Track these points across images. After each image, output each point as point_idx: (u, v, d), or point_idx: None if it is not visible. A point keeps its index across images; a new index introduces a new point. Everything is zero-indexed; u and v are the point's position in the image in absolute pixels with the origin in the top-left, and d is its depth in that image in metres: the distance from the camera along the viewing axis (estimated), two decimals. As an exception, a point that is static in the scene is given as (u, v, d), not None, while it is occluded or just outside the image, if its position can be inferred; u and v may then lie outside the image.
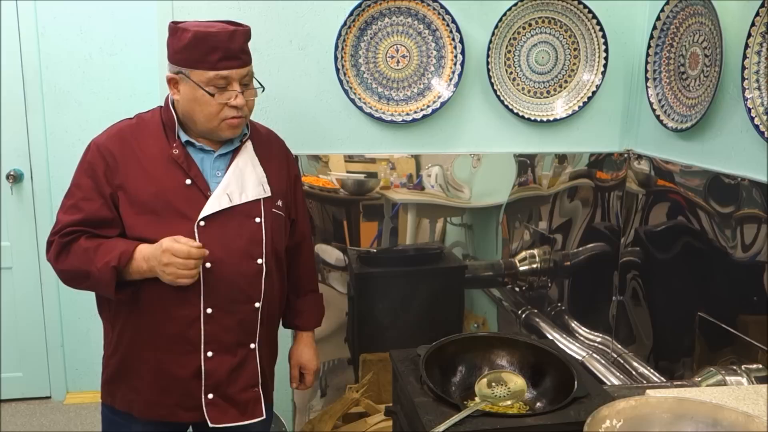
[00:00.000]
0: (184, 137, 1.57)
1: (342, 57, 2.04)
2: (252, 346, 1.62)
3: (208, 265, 1.52)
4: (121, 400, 1.62)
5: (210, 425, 1.57)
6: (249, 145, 1.65)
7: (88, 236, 1.51)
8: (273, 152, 1.72)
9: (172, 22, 1.53)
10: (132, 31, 3.00)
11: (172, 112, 1.57)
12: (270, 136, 1.77)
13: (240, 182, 1.59)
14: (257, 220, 1.60)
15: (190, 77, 1.50)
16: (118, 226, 1.53)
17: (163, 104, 1.62)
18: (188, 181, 1.54)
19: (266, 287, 1.61)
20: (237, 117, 1.53)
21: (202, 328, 1.54)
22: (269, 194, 1.63)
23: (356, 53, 2.07)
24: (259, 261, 1.59)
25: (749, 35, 1.62)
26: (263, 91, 1.60)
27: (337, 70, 2.04)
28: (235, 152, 1.62)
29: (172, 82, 1.54)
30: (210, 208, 1.54)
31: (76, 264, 1.50)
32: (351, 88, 2.07)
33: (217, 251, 1.53)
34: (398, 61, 2.09)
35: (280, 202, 1.67)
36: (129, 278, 1.49)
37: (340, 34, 2.02)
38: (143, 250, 1.47)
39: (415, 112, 2.11)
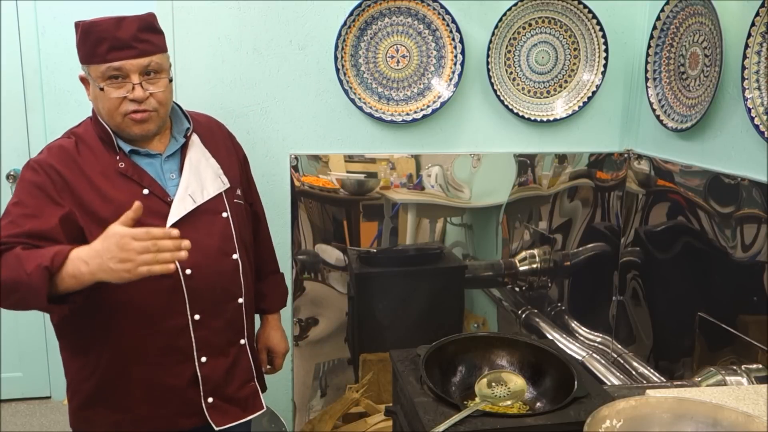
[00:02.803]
0: (127, 147, 1.49)
1: (342, 57, 2.04)
2: (242, 342, 1.60)
3: (188, 271, 1.47)
4: (102, 424, 1.53)
5: (215, 429, 1.55)
6: (195, 138, 1.58)
7: (25, 247, 1.34)
8: (218, 140, 1.66)
9: (76, 21, 1.45)
10: (132, 31, 3.00)
11: (104, 123, 1.48)
12: (210, 123, 1.70)
13: (198, 180, 1.53)
14: (224, 214, 1.56)
15: (90, 74, 1.43)
16: (63, 242, 1.37)
17: (91, 115, 1.54)
18: (145, 191, 1.47)
19: (244, 281, 1.58)
20: (140, 111, 1.43)
21: (193, 335, 1.50)
22: (228, 185, 1.58)
23: (356, 53, 2.07)
24: (234, 256, 1.56)
25: (749, 35, 1.62)
26: (170, 82, 1.49)
27: (337, 70, 2.04)
28: (183, 150, 1.55)
29: (84, 83, 1.49)
30: (176, 213, 1.47)
31: (5, 275, 1.30)
32: (351, 88, 2.07)
33: (193, 256, 1.44)
34: (398, 61, 2.09)
35: (238, 191, 1.63)
36: (63, 287, 1.29)
37: (340, 34, 2.02)
38: (81, 250, 1.29)
39: (415, 112, 2.11)
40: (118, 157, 1.48)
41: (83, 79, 1.48)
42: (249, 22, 2.00)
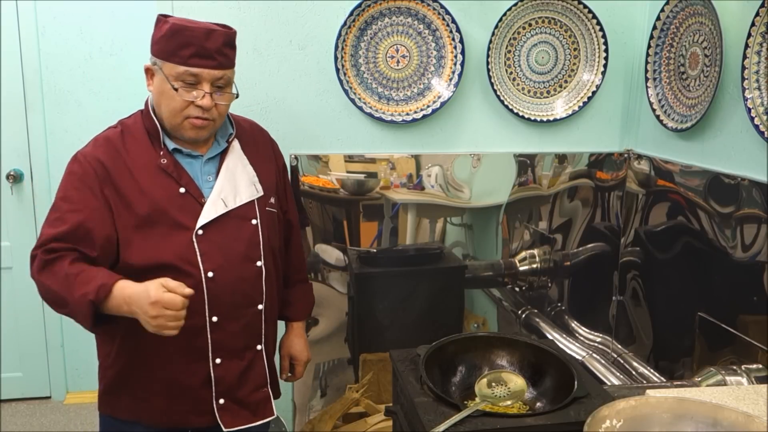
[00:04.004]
0: (171, 145, 1.54)
1: (342, 57, 2.04)
2: (258, 347, 1.62)
3: (210, 274, 1.50)
4: (125, 410, 1.59)
5: (224, 430, 1.57)
6: (236, 144, 1.62)
7: (73, 260, 1.43)
8: (259, 147, 1.70)
9: (161, 15, 1.52)
10: (132, 31, 3.00)
11: (154, 118, 1.54)
12: (254, 129, 1.74)
13: (233, 185, 1.57)
14: (253, 221, 1.59)
15: (162, 69, 1.48)
16: (100, 243, 1.46)
17: (143, 108, 1.59)
18: (182, 190, 1.52)
19: (267, 288, 1.60)
20: (202, 118, 1.50)
21: (209, 336, 1.53)
22: (262, 194, 1.62)
23: (356, 53, 2.07)
24: (259, 263, 1.58)
25: (749, 35, 1.62)
26: (237, 97, 1.56)
27: (337, 70, 2.04)
28: (223, 154, 1.59)
29: (148, 73, 1.53)
30: (207, 215, 1.51)
31: (56, 288, 1.42)
32: (351, 88, 2.07)
33: (217, 258, 1.51)
34: (398, 61, 2.09)
35: (272, 199, 1.66)
36: (108, 312, 1.41)
37: (340, 34, 2.02)
38: (125, 289, 1.38)
39: (415, 112, 2.11)
40: (161, 153, 1.53)
41: (148, 70, 1.53)
42: (249, 22, 2.00)
